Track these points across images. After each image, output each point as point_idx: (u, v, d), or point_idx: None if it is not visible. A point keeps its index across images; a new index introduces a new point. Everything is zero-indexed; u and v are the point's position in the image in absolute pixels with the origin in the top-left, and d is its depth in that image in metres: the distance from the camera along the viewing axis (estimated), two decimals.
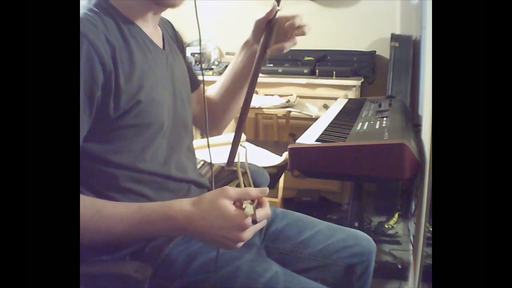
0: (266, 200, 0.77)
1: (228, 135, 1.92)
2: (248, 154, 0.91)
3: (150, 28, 0.89)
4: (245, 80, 1.01)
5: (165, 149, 0.88)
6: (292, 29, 0.95)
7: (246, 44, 1.04)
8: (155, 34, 0.91)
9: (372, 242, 1.08)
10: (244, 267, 0.86)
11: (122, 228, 0.74)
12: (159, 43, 0.92)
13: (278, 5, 0.95)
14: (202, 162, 1.00)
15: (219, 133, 1.19)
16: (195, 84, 1.10)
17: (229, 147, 0.94)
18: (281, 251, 1.02)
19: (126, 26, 0.83)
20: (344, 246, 1.03)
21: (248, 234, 0.73)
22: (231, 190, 0.74)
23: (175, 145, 0.91)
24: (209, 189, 1.01)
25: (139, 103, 0.80)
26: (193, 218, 0.74)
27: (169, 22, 1.06)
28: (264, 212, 0.75)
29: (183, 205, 0.75)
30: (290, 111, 2.37)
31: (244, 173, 0.88)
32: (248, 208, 0.73)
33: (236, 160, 0.89)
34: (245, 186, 0.90)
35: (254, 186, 1.21)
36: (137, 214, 0.75)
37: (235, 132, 0.93)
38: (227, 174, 0.93)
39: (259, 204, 0.76)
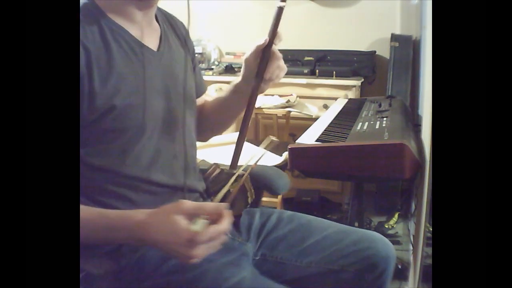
0: (226, 216, 0.72)
1: (230, 135, 1.92)
2: (260, 157, 0.90)
3: (140, 28, 0.89)
4: (233, 115, 1.07)
5: (151, 152, 0.88)
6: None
7: (235, 86, 1.01)
8: (148, 35, 0.90)
9: (389, 246, 1.01)
10: (211, 271, 0.85)
11: (85, 233, 0.73)
12: (153, 43, 0.91)
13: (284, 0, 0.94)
14: (213, 166, 0.99)
15: (203, 140, 1.19)
16: (198, 92, 1.09)
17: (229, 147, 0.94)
18: (279, 260, 0.99)
19: (109, 29, 0.83)
20: (354, 250, 0.97)
21: (199, 251, 0.70)
22: (187, 204, 0.72)
23: (164, 148, 0.90)
24: (202, 194, 1.00)
25: (113, 108, 0.80)
26: (148, 230, 0.73)
27: (179, 21, 1.05)
28: (215, 229, 0.70)
29: (139, 216, 0.75)
30: (290, 111, 2.37)
31: (241, 176, 0.87)
32: (196, 224, 0.69)
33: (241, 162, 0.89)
34: (245, 189, 0.89)
35: (272, 190, 1.20)
36: (99, 221, 0.75)
37: (238, 136, 0.93)
38: (225, 177, 0.92)
39: (215, 221, 0.71)
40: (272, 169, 1.29)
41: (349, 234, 1.00)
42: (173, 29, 1.00)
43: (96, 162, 0.82)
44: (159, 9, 1.00)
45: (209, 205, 0.74)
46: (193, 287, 0.83)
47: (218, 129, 1.17)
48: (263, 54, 0.92)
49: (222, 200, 0.81)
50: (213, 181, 0.96)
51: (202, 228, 0.69)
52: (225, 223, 0.72)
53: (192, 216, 0.71)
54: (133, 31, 0.87)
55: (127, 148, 0.84)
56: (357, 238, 0.99)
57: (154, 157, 0.88)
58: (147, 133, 0.86)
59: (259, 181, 1.22)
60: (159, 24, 0.96)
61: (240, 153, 0.94)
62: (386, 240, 1.02)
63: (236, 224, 1.02)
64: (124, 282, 0.86)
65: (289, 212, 1.08)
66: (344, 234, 1.01)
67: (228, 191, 0.83)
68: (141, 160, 0.86)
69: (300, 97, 2.48)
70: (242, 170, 0.89)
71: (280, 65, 0.94)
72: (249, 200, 0.97)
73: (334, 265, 0.97)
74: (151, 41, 0.91)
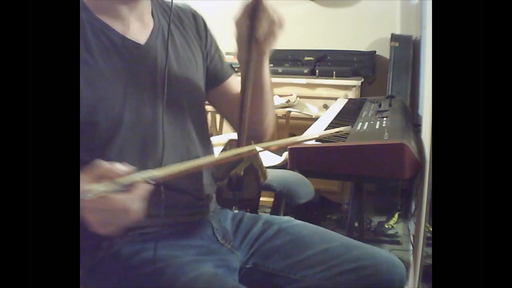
0: (135, 189, 0.65)
1: (230, 135, 1.93)
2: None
3: (126, 23, 0.89)
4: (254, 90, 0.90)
5: (136, 147, 0.87)
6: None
7: (237, 57, 0.93)
8: (136, 29, 0.90)
9: (397, 267, 0.91)
10: (174, 266, 0.84)
11: None
12: (142, 38, 0.91)
13: None
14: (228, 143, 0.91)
15: (259, 139, 1.01)
16: (218, 77, 1.04)
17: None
18: (270, 270, 0.93)
19: (90, 24, 0.84)
20: (355, 267, 0.89)
21: (89, 214, 0.63)
22: (101, 165, 0.66)
23: (152, 143, 0.88)
24: (194, 195, 0.95)
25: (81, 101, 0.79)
26: None
27: (191, 12, 1.02)
28: (107, 197, 0.62)
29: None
30: (290, 111, 2.37)
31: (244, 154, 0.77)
32: (99, 187, 0.61)
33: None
34: (254, 169, 0.79)
35: (292, 199, 1.11)
36: None
37: (240, 111, 0.85)
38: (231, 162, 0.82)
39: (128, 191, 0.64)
40: (294, 176, 1.23)
41: (352, 250, 0.92)
42: (180, 21, 0.98)
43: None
44: (160, 3, 0.99)
45: (121, 170, 0.65)
46: (155, 279, 0.83)
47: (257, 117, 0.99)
48: (253, 12, 0.83)
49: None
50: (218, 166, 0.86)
51: (100, 192, 0.61)
52: (124, 196, 0.64)
53: (101, 178, 0.64)
54: (117, 26, 0.88)
55: (106, 142, 0.84)
56: (360, 255, 0.91)
57: (141, 151, 0.87)
58: (125, 126, 0.85)
59: (279, 188, 1.18)
60: (154, 17, 0.95)
61: (244, 130, 0.84)
62: (395, 260, 0.92)
63: (253, 210, 0.98)
64: (101, 273, 0.87)
65: (296, 222, 1.02)
66: (346, 249, 0.93)
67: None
68: (125, 154, 0.85)
69: (300, 97, 2.48)
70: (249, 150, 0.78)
71: (271, 19, 0.83)
72: (262, 181, 0.87)
73: (329, 281, 0.90)
74: (140, 35, 0.91)
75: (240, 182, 0.84)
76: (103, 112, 0.83)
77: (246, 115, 0.85)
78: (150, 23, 0.94)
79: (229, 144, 0.89)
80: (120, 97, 0.85)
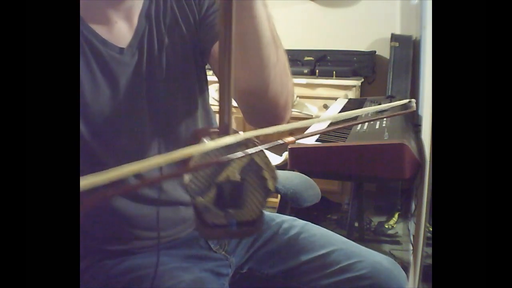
0: None
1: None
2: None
3: (110, 25, 0.81)
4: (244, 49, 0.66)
5: (118, 157, 0.80)
6: None
7: None
8: (122, 31, 0.82)
9: (397, 279, 0.86)
10: (158, 273, 0.82)
11: None
12: (124, 40, 0.82)
13: None
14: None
15: (258, 123, 0.80)
16: (211, 38, 0.84)
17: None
18: (265, 276, 0.89)
19: None
20: (352, 277, 0.84)
21: None
22: None
23: (137, 154, 0.82)
24: (182, 203, 0.89)
25: None
26: None
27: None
28: None
29: None
30: None
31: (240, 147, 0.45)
32: None
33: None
34: (258, 168, 0.45)
35: (297, 202, 1.06)
36: None
37: (220, 86, 0.51)
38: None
39: None
40: (300, 178, 1.21)
41: (351, 258, 0.87)
42: (181, 12, 0.87)
43: None
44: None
45: None
46: (135, 286, 0.82)
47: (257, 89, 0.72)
48: None
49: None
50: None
51: None
52: None
53: None
54: (101, 29, 0.80)
55: (89, 152, 0.78)
56: (358, 264, 0.85)
57: (124, 161, 0.82)
58: (106, 136, 0.79)
59: (284, 191, 1.15)
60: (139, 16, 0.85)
61: (226, 108, 0.50)
62: (395, 270, 0.87)
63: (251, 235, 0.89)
64: (87, 279, 0.86)
65: (296, 223, 0.97)
66: (344, 256, 0.87)
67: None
68: (109, 163, 0.81)
69: (300, 97, 2.48)
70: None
71: None
72: (270, 185, 0.47)
73: None
74: (124, 37, 0.82)
75: (236, 193, 0.48)
76: (84, 120, 0.78)
77: (230, 78, 0.49)
78: (134, 23, 0.84)
79: (203, 133, 0.51)
80: (100, 105, 0.79)
